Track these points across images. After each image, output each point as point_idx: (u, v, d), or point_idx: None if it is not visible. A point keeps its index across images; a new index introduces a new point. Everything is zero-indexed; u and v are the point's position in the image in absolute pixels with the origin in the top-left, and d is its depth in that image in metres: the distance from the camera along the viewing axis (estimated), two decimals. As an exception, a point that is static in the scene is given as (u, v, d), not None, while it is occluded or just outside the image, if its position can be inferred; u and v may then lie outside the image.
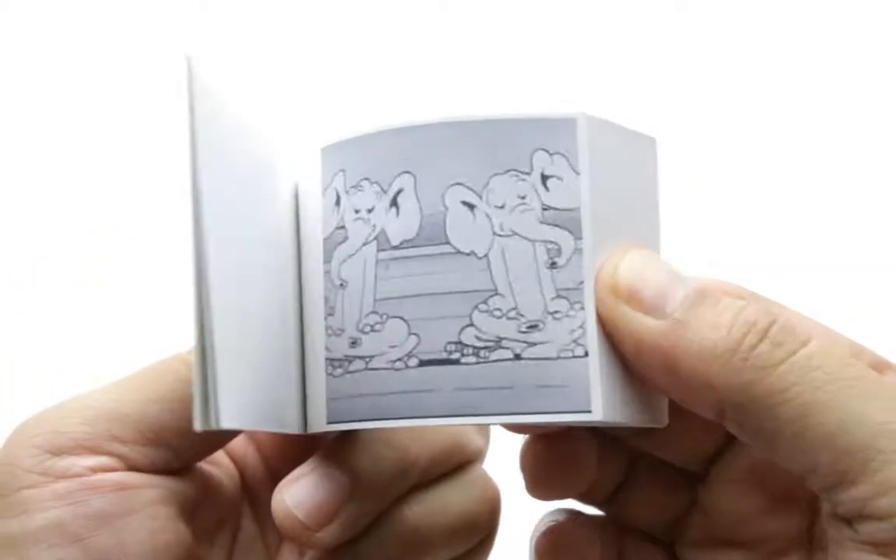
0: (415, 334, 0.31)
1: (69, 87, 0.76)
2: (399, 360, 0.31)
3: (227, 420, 0.30)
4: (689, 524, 0.36)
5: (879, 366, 0.32)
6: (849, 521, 0.30)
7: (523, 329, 0.31)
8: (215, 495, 0.37)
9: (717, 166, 0.76)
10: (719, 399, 0.30)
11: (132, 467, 0.34)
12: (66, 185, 0.76)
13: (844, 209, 0.75)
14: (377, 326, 0.32)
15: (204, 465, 0.37)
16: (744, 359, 0.29)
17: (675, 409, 0.34)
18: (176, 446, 0.35)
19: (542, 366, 0.31)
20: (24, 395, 0.73)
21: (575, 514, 0.37)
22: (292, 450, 0.38)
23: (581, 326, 0.31)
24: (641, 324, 0.30)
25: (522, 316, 0.31)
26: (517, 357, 0.31)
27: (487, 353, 0.31)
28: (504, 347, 0.31)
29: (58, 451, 0.33)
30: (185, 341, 0.41)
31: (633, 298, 0.30)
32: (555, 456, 0.35)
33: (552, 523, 0.36)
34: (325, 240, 0.34)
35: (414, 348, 0.31)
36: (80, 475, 0.33)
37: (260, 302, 0.32)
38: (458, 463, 0.38)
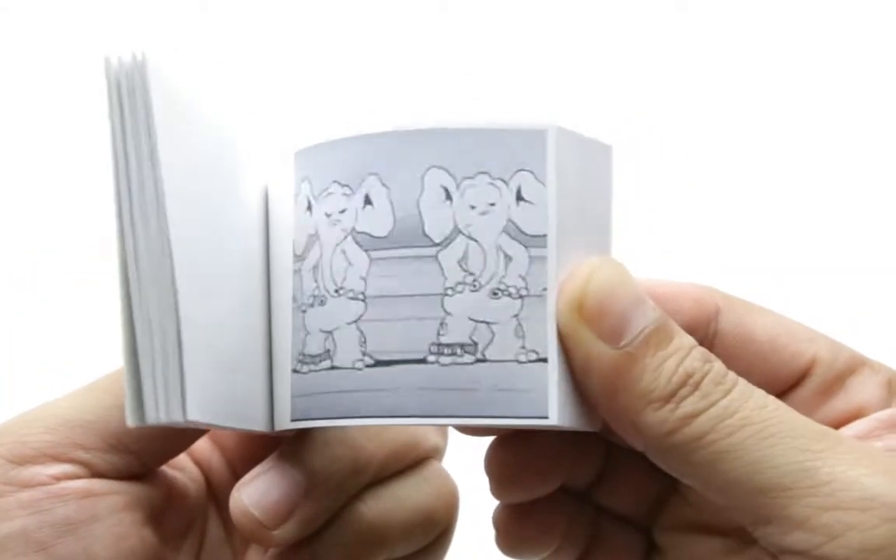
0: (380, 334, 0.32)
1: (69, 88, 0.76)
2: (361, 359, 0.32)
3: (194, 412, 0.30)
4: (668, 509, 0.37)
5: (856, 364, 0.34)
6: (774, 555, 0.31)
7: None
8: (181, 499, 0.37)
9: (717, 166, 0.76)
10: (643, 441, 0.31)
11: (96, 474, 0.34)
12: (66, 185, 0.76)
13: (845, 209, 0.75)
14: (343, 326, 0.32)
15: (168, 469, 0.37)
16: (672, 410, 0.30)
17: None
18: (139, 451, 0.35)
19: (503, 368, 0.31)
20: (24, 396, 0.73)
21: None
22: (256, 452, 0.38)
23: (543, 333, 0.31)
24: (594, 347, 0.31)
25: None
26: (479, 360, 0.31)
27: (451, 355, 0.31)
28: (467, 350, 0.31)
29: (21, 461, 0.33)
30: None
31: (594, 321, 0.31)
32: (521, 459, 0.36)
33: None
34: (296, 240, 0.34)
35: (378, 348, 0.32)
36: (44, 484, 0.33)
37: (227, 301, 0.33)
38: (414, 459, 0.38)
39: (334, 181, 0.33)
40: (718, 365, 0.31)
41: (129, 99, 0.30)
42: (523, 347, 0.31)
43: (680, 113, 0.76)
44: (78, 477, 0.34)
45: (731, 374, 0.31)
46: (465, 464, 0.41)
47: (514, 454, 0.35)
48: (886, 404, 0.34)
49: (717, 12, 0.76)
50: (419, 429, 0.38)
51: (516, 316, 0.31)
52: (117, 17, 0.76)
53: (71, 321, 0.74)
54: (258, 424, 0.34)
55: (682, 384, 0.31)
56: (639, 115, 0.75)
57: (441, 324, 0.31)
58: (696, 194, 0.75)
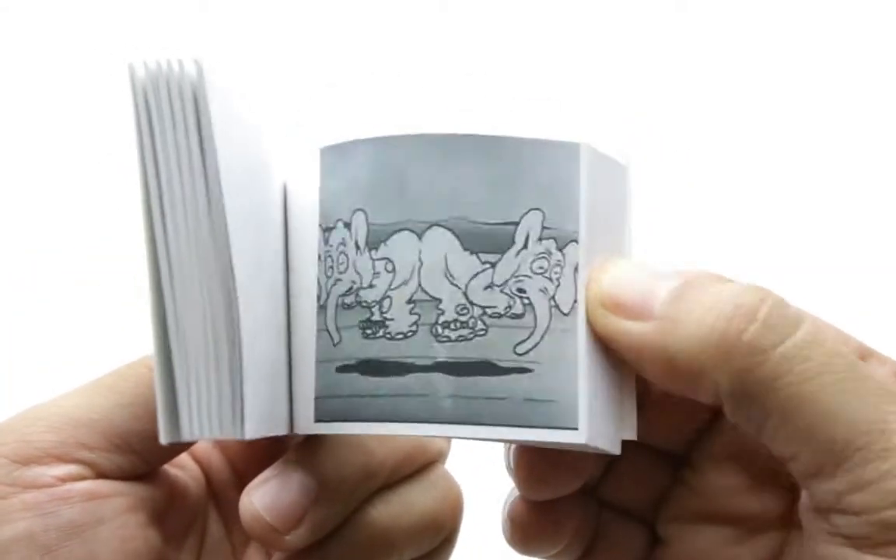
0: (412, 338, 0.31)
1: (70, 88, 0.76)
2: (395, 361, 0.31)
3: (251, 428, 0.30)
4: (671, 501, 0.37)
5: (864, 354, 0.33)
6: (824, 512, 0.30)
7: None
8: (182, 498, 0.37)
9: (717, 166, 0.76)
10: (714, 386, 0.30)
11: (101, 474, 0.34)
12: (66, 185, 0.76)
13: (845, 209, 0.75)
14: (373, 326, 0.32)
15: (170, 468, 0.37)
16: (734, 344, 0.30)
17: (658, 398, 0.35)
18: (143, 451, 0.35)
19: (534, 380, 0.31)
20: (24, 396, 0.73)
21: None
22: (258, 451, 0.38)
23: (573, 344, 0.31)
24: (632, 329, 0.31)
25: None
26: (511, 370, 0.31)
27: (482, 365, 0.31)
28: (499, 360, 0.31)
29: (25, 461, 0.33)
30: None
31: (618, 308, 0.31)
32: (548, 458, 0.36)
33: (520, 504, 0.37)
34: (322, 240, 0.34)
35: (410, 352, 0.31)
36: (49, 485, 0.33)
37: (263, 304, 0.32)
38: (421, 464, 0.38)
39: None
40: (775, 297, 0.31)
41: (178, 103, 0.29)
42: (555, 360, 0.31)
43: (679, 112, 0.76)
44: (83, 478, 0.33)
45: (793, 309, 0.31)
46: (466, 466, 0.41)
47: (541, 453, 0.35)
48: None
49: (717, 12, 0.76)
50: None
51: (548, 327, 0.31)
52: (117, 18, 0.76)
53: (71, 321, 0.74)
54: (281, 428, 0.33)
55: (734, 316, 0.30)
56: (638, 115, 0.75)
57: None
58: (696, 194, 0.75)
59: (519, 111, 0.75)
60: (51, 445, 0.33)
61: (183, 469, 0.38)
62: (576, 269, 0.32)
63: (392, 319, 0.32)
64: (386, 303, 0.32)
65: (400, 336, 0.31)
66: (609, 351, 0.32)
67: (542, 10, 0.77)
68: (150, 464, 0.35)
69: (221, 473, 0.39)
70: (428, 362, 0.31)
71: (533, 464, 0.36)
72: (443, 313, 0.31)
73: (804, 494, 0.32)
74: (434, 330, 0.31)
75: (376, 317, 0.32)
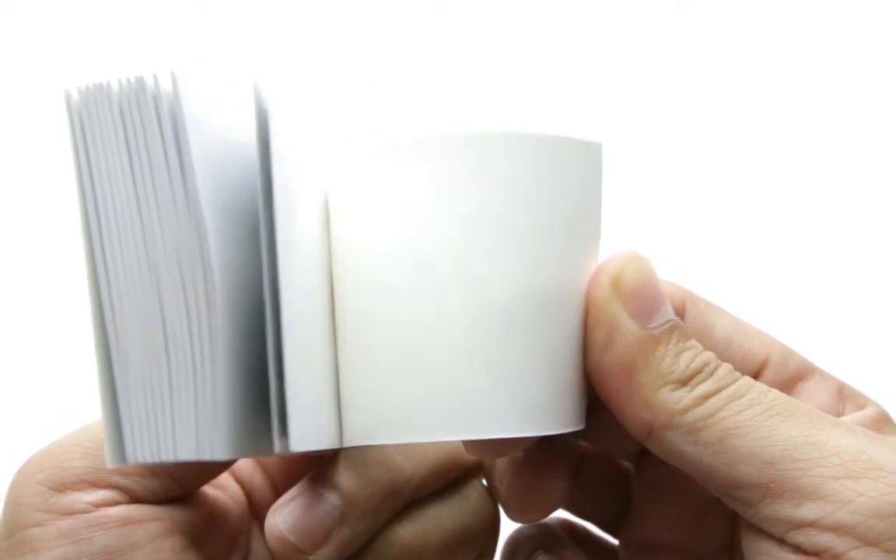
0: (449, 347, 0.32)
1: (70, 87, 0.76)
2: (438, 371, 0.31)
3: (296, 443, 0.29)
4: (626, 523, 0.38)
5: (807, 370, 0.35)
6: (779, 537, 0.31)
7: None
8: (223, 520, 0.37)
9: (717, 166, 0.76)
10: (653, 418, 0.32)
11: (135, 499, 0.34)
12: (66, 185, 0.76)
13: (846, 208, 0.75)
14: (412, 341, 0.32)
15: (209, 489, 0.37)
16: (687, 391, 0.32)
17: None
18: (177, 474, 0.34)
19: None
20: (23, 395, 0.73)
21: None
22: (298, 468, 0.38)
23: None
24: (623, 322, 0.32)
25: None
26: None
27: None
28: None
29: (61, 488, 0.33)
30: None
31: (628, 299, 0.33)
32: (535, 480, 0.37)
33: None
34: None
35: (445, 360, 0.31)
36: (83, 511, 0.33)
37: (314, 312, 0.32)
38: (454, 478, 0.38)
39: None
40: (728, 364, 0.33)
41: (145, 120, 0.29)
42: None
43: (679, 112, 0.76)
44: (117, 503, 0.33)
45: (738, 373, 0.33)
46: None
47: (531, 477, 0.37)
48: (837, 410, 0.35)
49: (717, 12, 0.76)
50: (458, 445, 0.38)
51: None
52: (118, 18, 0.76)
53: (70, 321, 0.74)
54: (333, 441, 0.33)
55: (699, 371, 0.32)
56: (638, 115, 0.75)
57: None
58: (696, 194, 0.75)
59: (516, 111, 0.75)
60: (85, 471, 0.33)
61: (223, 490, 0.37)
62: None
63: None
64: None
65: None
66: None
67: (540, 11, 0.77)
68: (185, 486, 0.35)
69: (263, 493, 0.39)
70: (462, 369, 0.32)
71: (523, 485, 0.37)
72: None
73: (745, 528, 0.33)
74: None
75: None
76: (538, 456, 0.37)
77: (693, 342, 0.33)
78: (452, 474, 0.38)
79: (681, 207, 0.75)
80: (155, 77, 0.29)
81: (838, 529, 0.30)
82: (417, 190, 0.31)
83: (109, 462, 0.30)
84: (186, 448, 0.29)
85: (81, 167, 0.29)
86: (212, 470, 0.36)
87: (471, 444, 0.35)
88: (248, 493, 0.38)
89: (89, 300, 0.29)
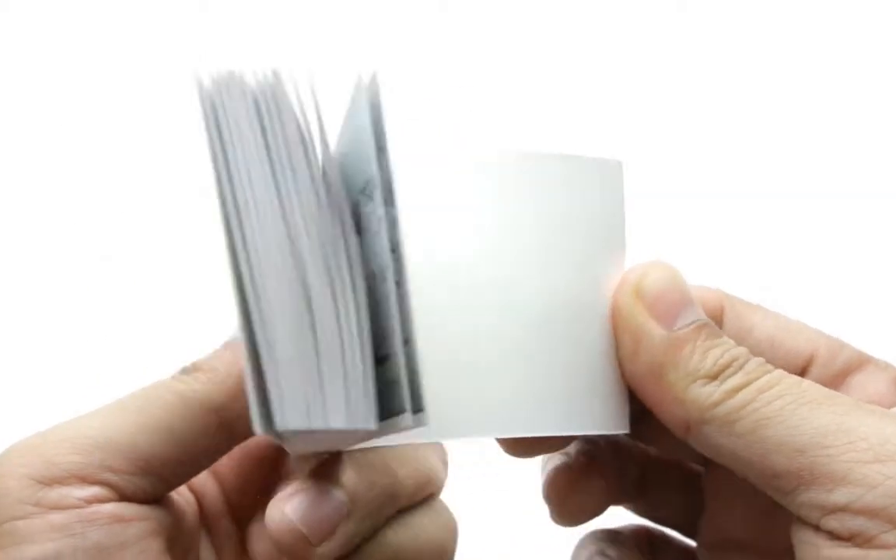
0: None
1: (71, 87, 0.76)
2: (499, 370, 0.33)
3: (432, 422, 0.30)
4: (701, 525, 0.39)
5: (861, 362, 0.36)
6: (814, 524, 0.31)
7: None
8: (184, 524, 0.37)
9: (717, 166, 0.76)
10: (686, 415, 0.33)
11: (124, 497, 0.34)
12: (66, 185, 0.76)
13: (846, 208, 0.75)
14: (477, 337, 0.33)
15: (174, 493, 0.37)
16: (717, 385, 0.33)
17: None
18: (165, 474, 0.35)
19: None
20: (23, 395, 0.73)
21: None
22: (253, 480, 0.39)
23: None
24: (647, 327, 0.33)
25: None
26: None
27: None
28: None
29: (49, 481, 0.33)
30: (185, 342, 0.40)
31: (650, 304, 0.34)
32: (575, 482, 0.39)
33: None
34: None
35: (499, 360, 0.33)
36: (74, 506, 0.33)
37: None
38: (429, 493, 0.39)
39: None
40: (760, 358, 0.34)
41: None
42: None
43: (679, 112, 0.76)
44: (108, 500, 0.33)
45: (770, 366, 0.34)
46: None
47: (572, 480, 0.38)
48: (893, 400, 0.35)
49: (717, 12, 0.76)
50: (433, 463, 0.39)
51: None
52: (118, 18, 0.76)
53: (70, 321, 0.74)
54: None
55: (727, 365, 0.33)
56: (638, 115, 0.75)
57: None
58: (696, 194, 0.75)
59: (518, 118, 0.75)
60: (76, 466, 0.33)
61: (179, 494, 0.38)
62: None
63: None
64: None
65: None
66: None
67: (540, 11, 0.77)
68: (170, 487, 0.35)
69: (214, 501, 0.39)
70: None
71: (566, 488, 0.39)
72: None
73: (793, 521, 0.33)
74: None
75: None
76: (579, 461, 0.39)
77: (724, 339, 0.34)
78: (429, 490, 0.39)
79: (681, 208, 0.75)
80: (291, 70, 0.30)
81: (868, 513, 0.30)
82: (466, 206, 0.34)
83: (258, 429, 0.29)
84: (337, 416, 0.29)
85: (216, 152, 0.30)
86: (196, 470, 0.36)
87: (512, 442, 0.37)
88: (200, 501, 0.39)
89: (230, 279, 0.29)
